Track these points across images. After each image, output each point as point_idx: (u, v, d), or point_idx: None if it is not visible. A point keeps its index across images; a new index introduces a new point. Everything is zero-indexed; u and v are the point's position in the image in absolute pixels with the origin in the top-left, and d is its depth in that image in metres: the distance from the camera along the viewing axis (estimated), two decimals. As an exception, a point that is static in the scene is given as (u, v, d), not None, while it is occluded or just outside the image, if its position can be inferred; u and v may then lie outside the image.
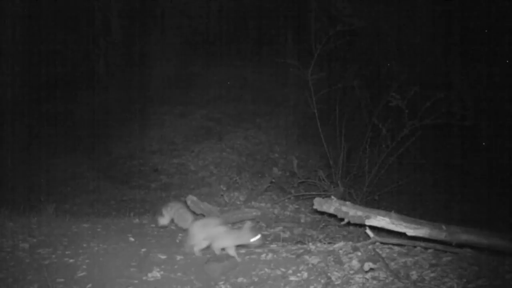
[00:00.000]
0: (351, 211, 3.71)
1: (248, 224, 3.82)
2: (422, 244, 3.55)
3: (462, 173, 8.09)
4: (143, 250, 3.96)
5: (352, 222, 3.74)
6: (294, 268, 3.41)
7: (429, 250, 3.50)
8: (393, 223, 3.55)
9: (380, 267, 3.16)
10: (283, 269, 3.43)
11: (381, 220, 3.60)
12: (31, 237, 4.19)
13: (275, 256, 3.70)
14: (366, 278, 3.05)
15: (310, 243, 3.92)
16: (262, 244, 3.78)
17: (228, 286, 3.36)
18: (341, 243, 3.72)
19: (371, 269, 3.12)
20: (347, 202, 3.80)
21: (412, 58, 9.69)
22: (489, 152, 8.33)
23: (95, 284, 3.37)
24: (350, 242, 3.74)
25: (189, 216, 4.21)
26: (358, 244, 3.65)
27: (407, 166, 7.46)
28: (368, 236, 3.69)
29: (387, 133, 6.04)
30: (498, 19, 9.00)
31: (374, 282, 2.99)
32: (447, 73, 9.75)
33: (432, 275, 3.01)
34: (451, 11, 9.72)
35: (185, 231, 4.16)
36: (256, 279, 3.36)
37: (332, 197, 3.87)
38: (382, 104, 6.19)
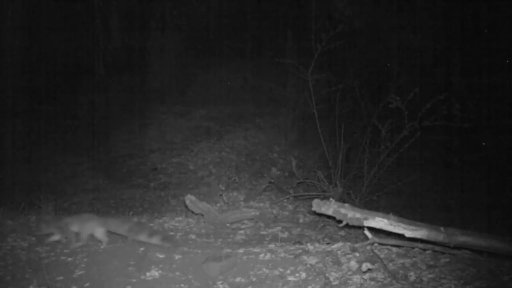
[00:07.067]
0: (350, 213, 3.71)
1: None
2: (420, 245, 3.55)
3: (462, 174, 8.09)
4: (142, 249, 3.96)
5: (350, 224, 3.75)
6: (292, 268, 3.41)
7: (427, 251, 3.50)
8: (391, 225, 3.56)
9: (378, 268, 3.16)
10: (281, 269, 3.42)
11: (380, 222, 3.60)
12: (30, 235, 4.20)
13: (273, 256, 3.69)
14: (364, 279, 3.05)
15: (309, 244, 3.92)
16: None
17: (226, 285, 3.36)
18: (339, 244, 3.72)
19: (369, 270, 3.12)
20: (346, 204, 3.80)
21: (412, 59, 9.69)
22: (489, 154, 8.32)
23: (94, 283, 3.37)
24: (349, 243, 3.74)
25: None
26: (357, 245, 3.65)
27: (406, 167, 7.46)
28: (366, 237, 3.69)
29: (386, 134, 6.04)
30: (498, 19, 9.01)
31: (372, 283, 2.99)
32: (447, 74, 9.75)
33: (430, 276, 3.01)
34: (451, 12, 9.73)
35: None
36: (254, 279, 3.36)
37: (331, 199, 3.87)
38: (381, 105, 6.19)
